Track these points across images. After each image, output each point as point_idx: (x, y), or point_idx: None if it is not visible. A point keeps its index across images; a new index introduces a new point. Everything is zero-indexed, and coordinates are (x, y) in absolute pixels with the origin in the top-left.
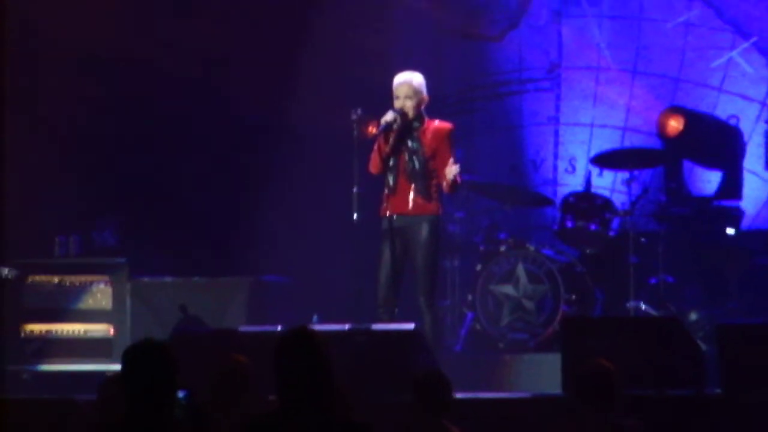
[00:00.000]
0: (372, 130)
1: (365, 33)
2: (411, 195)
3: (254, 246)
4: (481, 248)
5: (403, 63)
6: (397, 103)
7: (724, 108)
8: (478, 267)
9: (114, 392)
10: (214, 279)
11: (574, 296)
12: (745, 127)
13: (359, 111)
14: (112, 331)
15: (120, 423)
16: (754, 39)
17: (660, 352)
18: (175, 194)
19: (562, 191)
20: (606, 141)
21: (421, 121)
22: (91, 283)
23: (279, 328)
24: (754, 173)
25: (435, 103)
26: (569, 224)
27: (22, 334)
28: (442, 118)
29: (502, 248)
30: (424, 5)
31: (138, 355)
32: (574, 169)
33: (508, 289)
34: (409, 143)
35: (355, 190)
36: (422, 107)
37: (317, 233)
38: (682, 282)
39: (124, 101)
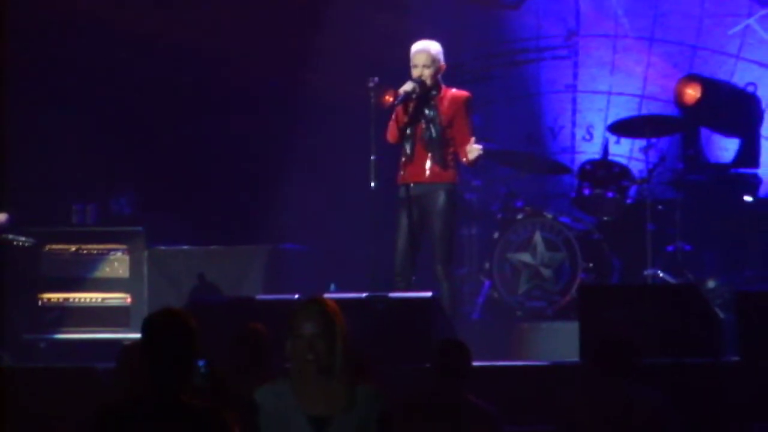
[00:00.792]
0: (389, 99)
1: (383, 1)
2: (428, 163)
3: (272, 214)
4: (499, 216)
5: (421, 31)
6: (415, 72)
7: (741, 75)
8: (496, 235)
9: (132, 360)
10: (232, 247)
11: (591, 264)
12: (762, 94)
13: (376, 79)
14: (129, 300)
15: (139, 391)
16: None
17: (677, 320)
18: (193, 162)
19: (580, 159)
20: (623, 109)
21: (438, 89)
22: (109, 251)
23: (296, 296)
24: None
25: (452, 71)
26: (586, 192)
27: (39, 303)
28: (460, 86)
29: (520, 216)
30: None
31: (158, 323)
32: (591, 136)
33: (525, 257)
34: (426, 111)
35: (372, 157)
36: (439, 75)
37: (334, 201)
38: (700, 249)
39: (142, 70)
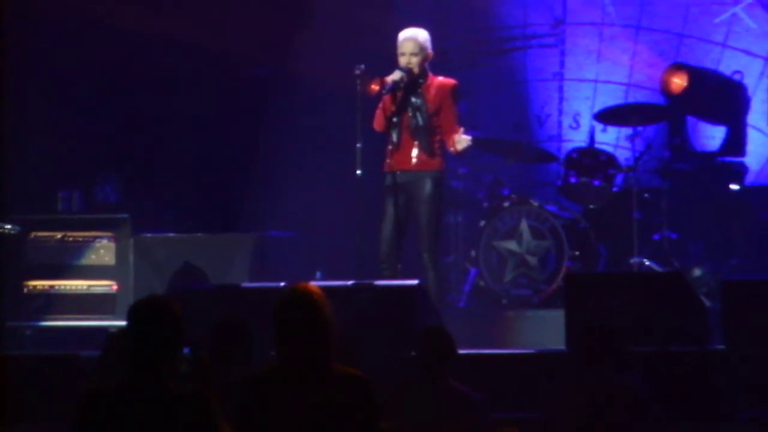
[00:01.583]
0: (375, 87)
1: None
2: (414, 151)
3: (258, 202)
4: (485, 204)
5: (407, 18)
6: (403, 60)
7: (728, 64)
8: (482, 223)
9: (118, 348)
10: (218, 235)
11: (577, 252)
12: (749, 82)
13: (362, 67)
14: (115, 287)
15: (124, 378)
16: None
17: (663, 308)
18: (178, 150)
19: (566, 147)
20: (610, 97)
21: (425, 77)
22: (94, 238)
23: (282, 284)
24: (757, 129)
25: (439, 58)
26: (573, 180)
27: (25, 290)
28: (446, 73)
29: (506, 204)
30: None
31: (144, 311)
32: (578, 124)
33: (511, 245)
34: (413, 99)
35: (358, 145)
36: (426, 63)
37: (321, 189)
38: (686, 238)
39: (126, 57)
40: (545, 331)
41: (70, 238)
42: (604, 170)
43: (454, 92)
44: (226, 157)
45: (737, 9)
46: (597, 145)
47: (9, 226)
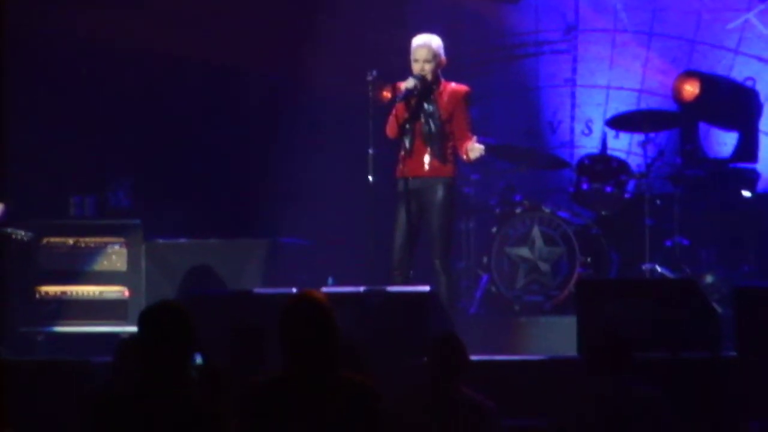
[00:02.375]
0: (387, 95)
1: None
2: (427, 157)
3: (270, 208)
4: (497, 210)
5: (420, 25)
6: (416, 67)
7: (740, 70)
8: (494, 229)
9: (130, 354)
10: (230, 241)
11: (589, 258)
12: (761, 88)
13: (374, 73)
14: (126, 293)
15: (136, 385)
16: None
17: (675, 315)
18: (191, 156)
19: (579, 153)
20: (622, 103)
21: (438, 84)
22: (106, 244)
23: (294, 290)
24: None
25: (451, 65)
26: (585, 186)
27: (37, 296)
28: (459, 80)
29: (518, 210)
30: None
31: (155, 317)
32: (590, 131)
33: (523, 251)
34: (426, 106)
35: (370, 151)
36: (439, 70)
37: (333, 195)
38: (698, 244)
39: (140, 63)
40: (557, 337)
41: (82, 244)
42: (616, 177)
43: (467, 99)
44: (238, 163)
45: (750, 15)
46: (609, 152)
47: (21, 232)
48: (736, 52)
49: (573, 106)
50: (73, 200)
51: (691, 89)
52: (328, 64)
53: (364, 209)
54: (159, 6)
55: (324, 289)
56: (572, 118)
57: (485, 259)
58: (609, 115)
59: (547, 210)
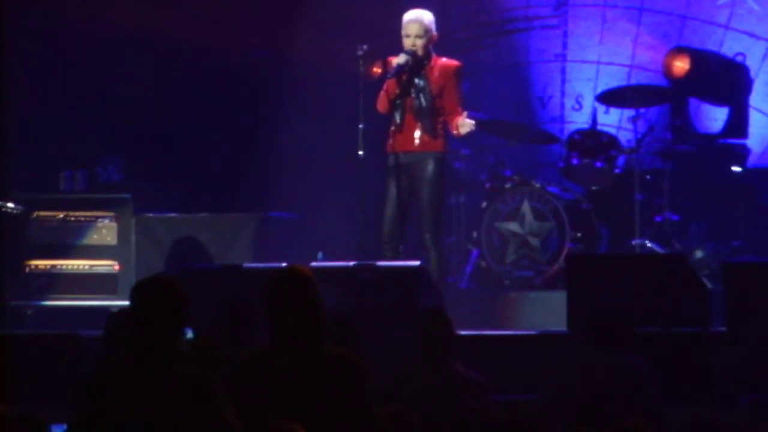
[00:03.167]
0: (377, 71)
1: None
2: (417, 132)
3: (260, 182)
4: (487, 185)
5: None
6: (407, 42)
7: (730, 46)
8: (484, 204)
9: (121, 328)
10: (220, 215)
11: (579, 234)
12: (751, 64)
13: (365, 47)
14: (117, 267)
15: (126, 358)
16: None
17: (665, 290)
18: (181, 130)
19: (569, 128)
20: (612, 78)
21: (429, 59)
22: (97, 218)
23: (284, 264)
24: (760, 111)
25: (442, 39)
26: (575, 161)
27: (27, 270)
28: (449, 55)
29: (508, 185)
30: None
31: (146, 290)
32: (581, 106)
33: (513, 226)
34: (417, 81)
35: (360, 126)
36: (431, 45)
37: (323, 170)
38: (688, 220)
39: (129, 37)
40: (547, 312)
41: (73, 218)
42: (607, 152)
43: (458, 74)
44: (228, 138)
45: None
46: (599, 127)
47: (11, 205)
48: (726, 27)
49: (563, 81)
50: (63, 174)
51: (681, 65)
52: (318, 38)
53: (354, 184)
54: None
55: (314, 264)
56: (562, 93)
57: (475, 234)
58: (599, 90)
59: (537, 185)
